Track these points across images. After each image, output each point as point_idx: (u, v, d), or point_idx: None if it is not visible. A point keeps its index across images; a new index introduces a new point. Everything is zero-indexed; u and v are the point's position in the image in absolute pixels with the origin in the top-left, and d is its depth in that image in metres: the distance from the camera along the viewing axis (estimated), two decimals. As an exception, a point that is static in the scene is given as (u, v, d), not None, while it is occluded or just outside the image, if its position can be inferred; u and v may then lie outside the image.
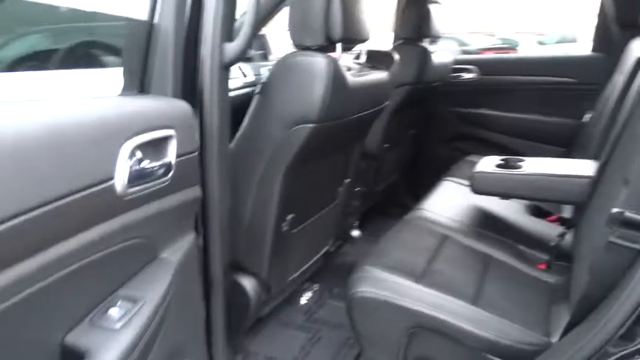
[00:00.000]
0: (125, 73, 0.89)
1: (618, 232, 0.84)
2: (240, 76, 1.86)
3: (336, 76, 1.17)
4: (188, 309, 0.94)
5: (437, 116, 2.55)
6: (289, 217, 1.34)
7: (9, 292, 0.54)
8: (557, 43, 8.83)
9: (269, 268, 1.35)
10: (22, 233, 0.54)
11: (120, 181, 0.69)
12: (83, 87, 0.99)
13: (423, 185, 1.93)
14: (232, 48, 1.00)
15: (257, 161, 1.23)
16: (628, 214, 0.82)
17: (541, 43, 9.05)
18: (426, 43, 2.12)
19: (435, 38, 2.17)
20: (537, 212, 1.76)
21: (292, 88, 1.18)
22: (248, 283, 1.34)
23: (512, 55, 3.14)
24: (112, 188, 0.68)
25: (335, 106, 1.20)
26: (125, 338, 0.67)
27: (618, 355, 0.77)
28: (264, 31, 2.20)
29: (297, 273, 1.54)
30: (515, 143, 2.36)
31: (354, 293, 1.19)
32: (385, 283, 1.20)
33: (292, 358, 1.52)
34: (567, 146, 2.18)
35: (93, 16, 1.26)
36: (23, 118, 0.58)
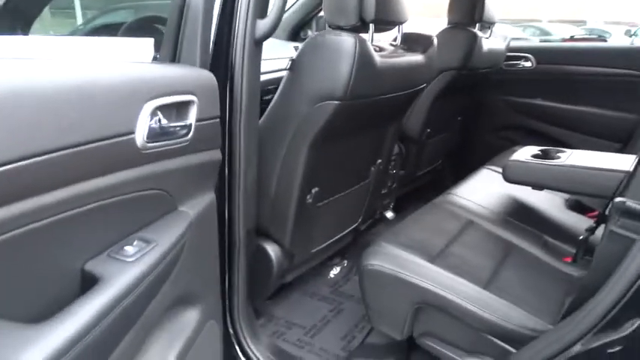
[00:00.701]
0: (161, 42, 0.99)
1: (620, 221, 0.83)
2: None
3: (363, 54, 1.20)
4: (202, 259, 1.04)
5: (486, 104, 2.48)
6: (314, 190, 1.40)
7: (36, 215, 0.65)
8: (648, 35, 8.04)
9: (292, 238, 1.42)
10: (49, 168, 0.65)
11: (140, 136, 0.79)
12: (132, 51, 1.10)
13: (467, 172, 1.90)
14: (264, 24, 1.07)
15: (284, 134, 1.30)
16: (630, 203, 0.81)
17: (631, 35, 8.23)
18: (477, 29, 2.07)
19: (488, 24, 2.11)
20: (578, 207, 1.70)
21: (319, 65, 1.23)
22: (271, 249, 1.42)
23: (570, 44, 2.95)
24: (132, 141, 0.78)
25: (361, 85, 1.24)
26: (136, 270, 0.77)
27: (600, 343, 0.77)
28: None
29: (322, 246, 1.60)
30: (568, 136, 2.26)
31: (366, 265, 1.24)
32: (397, 260, 1.23)
33: (312, 326, 1.60)
34: (625, 142, 2.07)
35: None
36: (60, 74, 0.69)
